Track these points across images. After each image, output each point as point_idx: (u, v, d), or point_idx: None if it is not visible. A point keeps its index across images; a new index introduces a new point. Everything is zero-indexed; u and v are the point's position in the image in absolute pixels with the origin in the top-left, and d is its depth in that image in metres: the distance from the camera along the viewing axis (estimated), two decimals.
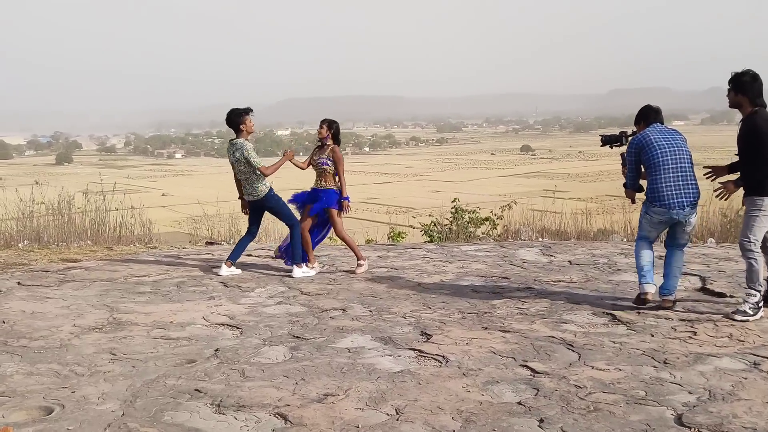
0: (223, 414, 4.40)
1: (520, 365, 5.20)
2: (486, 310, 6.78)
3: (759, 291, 6.21)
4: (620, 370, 5.06)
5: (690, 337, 5.80)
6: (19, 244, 11.66)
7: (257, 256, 10.12)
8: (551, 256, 9.63)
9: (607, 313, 6.58)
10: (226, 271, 8.68)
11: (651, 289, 6.67)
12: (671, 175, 6.55)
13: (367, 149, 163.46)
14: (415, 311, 6.82)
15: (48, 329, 6.37)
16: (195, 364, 5.36)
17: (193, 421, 4.29)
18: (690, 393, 4.60)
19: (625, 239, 11.91)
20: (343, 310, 6.95)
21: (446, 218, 14.25)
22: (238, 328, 6.39)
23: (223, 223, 14.24)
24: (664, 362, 5.21)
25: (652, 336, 5.87)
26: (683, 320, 6.32)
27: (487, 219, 13.62)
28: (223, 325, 6.51)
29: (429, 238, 13.61)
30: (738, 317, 6.19)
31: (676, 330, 6.02)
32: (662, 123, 6.98)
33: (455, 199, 14.77)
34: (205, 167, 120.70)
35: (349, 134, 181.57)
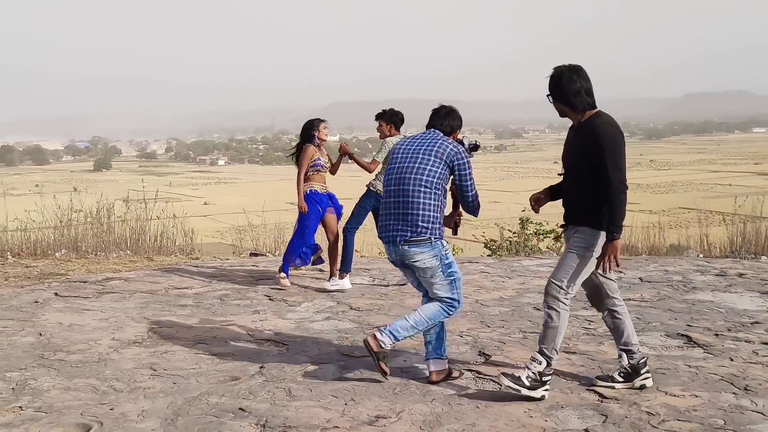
0: None
1: (587, 390, 5.14)
2: None
3: (550, 358, 4.96)
4: (696, 396, 4.97)
5: None
6: (57, 254, 11.92)
7: (305, 269, 10.19)
8: (620, 272, 9.51)
9: (682, 335, 6.48)
10: (348, 283, 8.73)
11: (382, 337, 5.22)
12: (392, 199, 5.37)
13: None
14: (473, 330, 6.80)
15: (86, 342, 6.49)
16: (239, 382, 5.40)
17: None
18: None
19: (701, 255, 11.71)
20: None
21: (509, 230, 14.18)
22: (284, 344, 6.44)
23: (268, 233, 14.37)
24: (745, 389, 5.10)
25: (732, 360, 5.76)
26: (766, 343, 6.18)
27: (551, 231, 13.52)
28: (268, 340, 6.56)
29: (489, 252, 13.56)
30: (506, 381, 4.90)
31: (757, 354, 5.89)
32: (451, 128, 5.54)
33: (524, 209, 14.70)
34: (249, 175, 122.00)
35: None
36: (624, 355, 5.15)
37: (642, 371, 5.14)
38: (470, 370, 5.60)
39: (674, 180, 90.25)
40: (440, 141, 5.34)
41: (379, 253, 12.27)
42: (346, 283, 8.65)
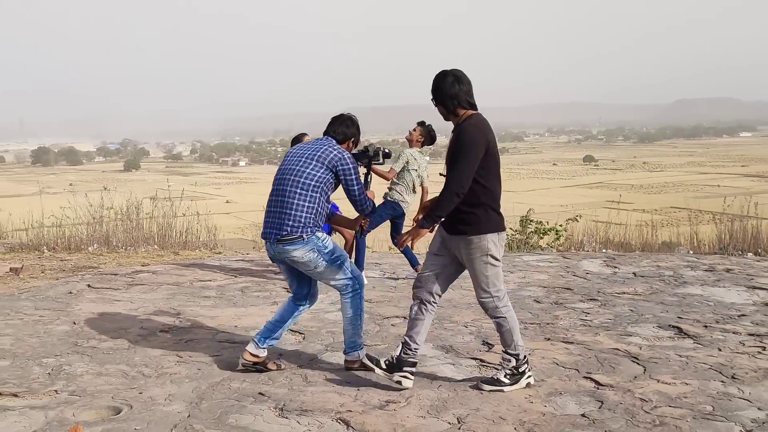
0: (286, 418, 4.43)
1: (584, 377, 5.13)
2: (549, 321, 6.72)
3: (517, 354, 4.93)
4: (687, 384, 4.95)
5: (759, 352, 5.65)
6: (89, 248, 11.97)
7: None
8: (615, 267, 9.50)
9: (673, 326, 6.45)
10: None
11: (249, 348, 5.30)
12: (272, 198, 5.33)
13: (427, 158, 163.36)
14: (477, 320, 6.79)
15: (116, 331, 6.51)
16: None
17: (257, 424, 4.33)
18: (760, 409, 4.48)
19: (691, 252, 11.66)
20: (404, 317, 6.94)
21: (511, 228, 14.17)
22: (300, 333, 6.44)
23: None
24: (733, 377, 5.08)
25: (720, 350, 5.73)
26: (752, 335, 6.16)
27: (551, 229, 13.49)
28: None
29: None
30: (487, 387, 4.89)
31: (744, 345, 5.87)
32: (344, 135, 5.44)
33: (529, 210, 14.70)
34: (268, 175, 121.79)
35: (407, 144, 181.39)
36: (401, 346, 4.99)
37: (405, 368, 4.92)
38: (474, 359, 5.60)
39: (666, 181, 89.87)
40: (326, 147, 5.29)
41: (390, 248, 12.27)
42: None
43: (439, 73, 4.93)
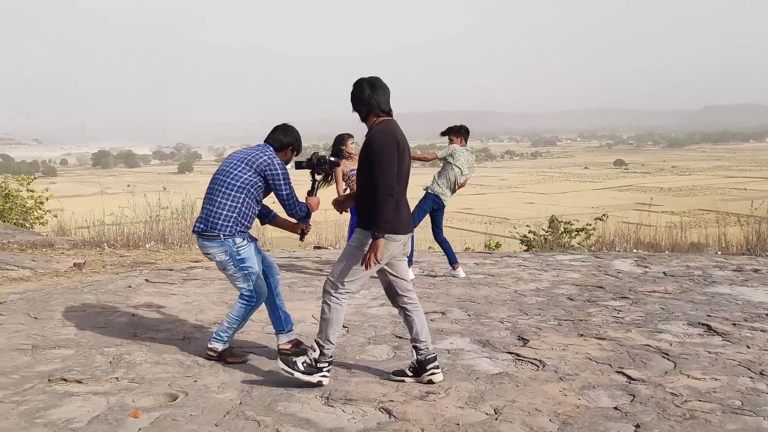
0: (332, 406, 4.45)
1: (616, 372, 5.07)
2: (582, 318, 6.66)
3: (322, 347, 4.78)
4: (716, 379, 4.88)
5: None
6: (147, 245, 12.13)
7: None
8: (646, 267, 9.38)
9: (703, 324, 6.35)
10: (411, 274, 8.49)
11: (212, 345, 5.48)
12: (205, 196, 5.45)
13: (474, 156, 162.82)
14: (512, 316, 6.75)
15: (173, 322, 6.59)
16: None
17: (304, 412, 4.36)
18: None
19: (719, 252, 11.47)
20: (443, 313, 6.94)
21: (542, 228, 14.09)
22: (344, 326, 6.45)
23: (329, 229, 14.45)
24: (761, 373, 4.98)
25: (748, 347, 5.63)
26: None
27: (582, 230, 13.39)
28: None
29: (525, 247, 13.48)
30: (282, 366, 4.79)
31: None
32: (280, 143, 5.49)
33: (552, 216, 14.64)
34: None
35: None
36: (414, 351, 4.92)
37: (428, 366, 4.86)
38: (510, 353, 5.56)
39: (694, 184, 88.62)
40: (258, 152, 5.37)
41: (429, 247, 12.25)
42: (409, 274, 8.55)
43: (356, 81, 4.92)
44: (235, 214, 5.27)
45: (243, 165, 5.32)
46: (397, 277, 4.96)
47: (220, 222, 5.25)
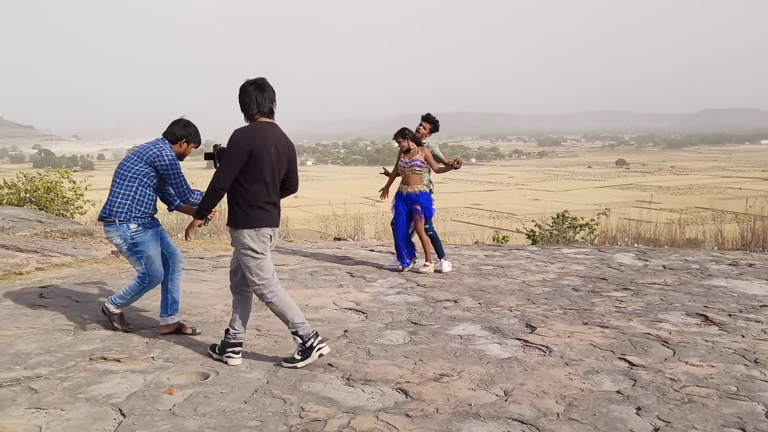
0: (352, 387, 4.47)
1: (618, 358, 5.06)
2: (586, 307, 6.64)
3: (296, 331, 4.84)
4: (713, 366, 4.85)
5: None
6: (178, 235, 12.16)
7: (378, 252, 10.23)
8: (646, 260, 9.33)
9: (700, 314, 6.32)
10: (447, 265, 8.54)
11: (108, 305, 5.80)
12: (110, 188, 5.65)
13: (473, 160, 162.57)
14: (520, 305, 6.75)
15: (204, 307, 6.64)
16: (327, 342, 5.45)
17: (327, 391, 4.38)
18: None
19: (715, 247, 11.41)
20: (455, 301, 6.94)
21: (547, 224, 14.05)
22: (363, 312, 6.48)
23: (348, 222, 14.47)
24: (755, 361, 4.96)
25: (743, 337, 5.60)
26: None
27: (586, 225, 13.34)
28: (350, 309, 6.61)
29: (532, 241, 13.44)
30: (286, 365, 4.86)
31: (766, 333, 5.71)
32: (174, 136, 5.63)
33: (565, 211, 14.59)
34: (331, 174, 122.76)
35: (457, 147, 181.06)
36: (225, 332, 5.02)
37: (228, 350, 4.95)
38: (518, 339, 5.56)
39: (691, 183, 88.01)
40: (150, 146, 5.56)
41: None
42: (446, 265, 8.54)
43: (242, 83, 4.89)
44: (129, 202, 5.47)
45: (135, 158, 5.53)
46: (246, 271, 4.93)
47: (116, 209, 5.47)
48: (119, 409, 4.07)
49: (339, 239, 12.81)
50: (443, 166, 8.56)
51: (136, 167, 5.48)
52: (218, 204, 5.03)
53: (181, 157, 5.68)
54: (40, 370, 4.75)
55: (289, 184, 5.05)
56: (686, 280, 7.94)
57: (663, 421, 3.90)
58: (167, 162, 5.48)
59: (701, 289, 7.42)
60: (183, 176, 5.59)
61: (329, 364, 4.89)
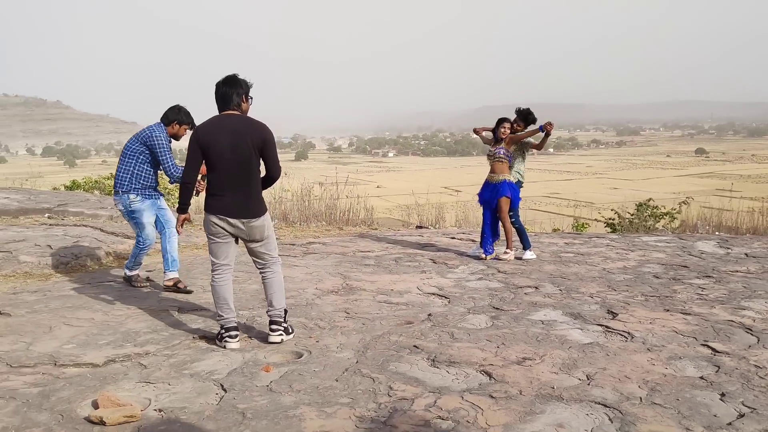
0: (437, 368, 4.48)
1: (701, 345, 4.90)
2: (667, 294, 6.45)
3: (224, 317, 4.92)
4: None
5: None
6: (271, 223, 12.44)
7: (459, 239, 10.19)
8: (728, 248, 8.98)
9: None
10: (529, 254, 8.47)
11: (125, 272, 6.97)
12: None
13: (551, 150, 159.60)
14: (601, 292, 6.61)
15: (296, 291, 6.77)
16: (412, 325, 5.49)
17: (413, 372, 4.40)
18: None
19: None
20: (536, 287, 6.85)
21: (628, 212, 13.69)
22: (446, 297, 6.48)
23: (430, 210, 14.47)
24: None
25: None
26: None
27: (667, 213, 12.92)
28: (433, 294, 6.61)
29: (611, 229, 13.13)
30: (283, 338, 5.04)
31: None
32: (167, 119, 6.49)
33: (649, 199, 14.17)
34: (412, 164, 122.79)
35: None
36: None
37: (224, 335, 4.96)
38: (600, 325, 5.45)
39: None
40: (146, 129, 6.45)
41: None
42: (528, 254, 8.44)
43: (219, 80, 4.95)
44: (129, 176, 6.38)
45: (134, 139, 6.45)
46: (252, 253, 5.16)
47: (119, 182, 6.42)
48: (221, 384, 4.20)
49: (421, 227, 12.82)
50: (533, 141, 8.52)
51: (134, 146, 6.40)
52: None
53: (175, 137, 6.57)
54: (148, 348, 4.95)
55: (267, 170, 5.01)
56: None
57: (748, 407, 3.76)
58: (157, 142, 6.32)
59: None
60: (170, 154, 6.38)
61: (415, 346, 4.91)
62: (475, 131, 8.90)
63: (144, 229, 6.52)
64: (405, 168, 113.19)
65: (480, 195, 8.51)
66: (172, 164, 6.35)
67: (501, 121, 8.40)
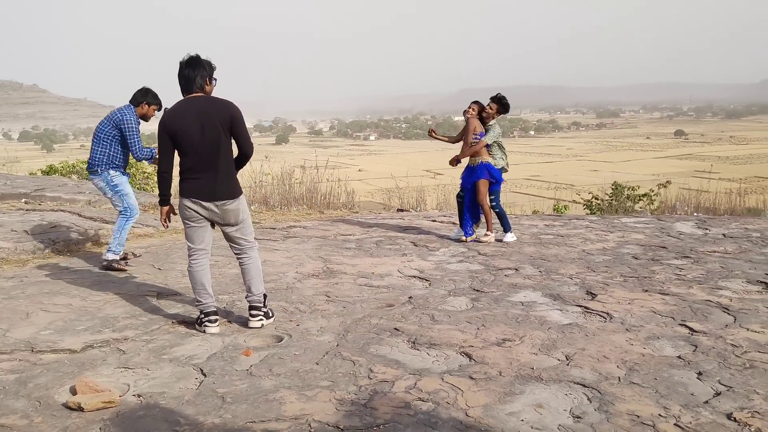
0: (418, 350, 4.49)
1: (679, 324, 4.94)
2: (646, 275, 6.49)
3: (203, 303, 4.93)
4: None
5: None
6: (251, 207, 12.37)
7: (440, 222, 10.20)
8: (706, 229, 9.06)
9: (761, 282, 6.11)
10: (510, 236, 8.45)
11: (106, 256, 7.00)
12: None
13: (532, 133, 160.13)
14: (580, 273, 6.64)
15: (277, 274, 6.74)
16: (393, 308, 5.49)
17: (393, 354, 4.41)
18: None
19: None
20: (516, 269, 6.88)
21: (606, 194, 13.78)
22: (427, 280, 6.48)
23: (410, 193, 14.46)
24: None
25: None
26: None
27: (645, 195, 13.02)
28: (414, 277, 6.62)
29: (590, 211, 13.21)
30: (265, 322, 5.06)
31: None
32: (135, 100, 6.86)
33: (615, 181, 14.28)
34: (393, 147, 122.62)
35: (516, 119, 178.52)
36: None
37: (203, 320, 4.95)
38: (579, 306, 5.48)
39: (751, 153, 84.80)
40: (117, 111, 6.80)
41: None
42: (509, 237, 8.42)
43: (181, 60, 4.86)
44: (105, 157, 6.77)
45: (106, 121, 6.81)
46: (228, 238, 5.17)
47: (97, 162, 6.78)
48: (200, 369, 4.18)
49: (402, 210, 12.82)
50: (458, 139, 8.65)
51: (106, 129, 6.77)
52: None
53: (144, 118, 6.92)
54: (127, 333, 4.91)
55: (239, 148, 4.95)
56: (747, 248, 7.68)
57: (724, 386, 3.80)
58: (126, 125, 6.71)
59: (762, 257, 7.17)
60: (137, 136, 6.76)
61: (395, 329, 4.92)
62: (430, 133, 8.90)
63: (129, 198, 6.89)
64: (386, 151, 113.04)
65: (462, 179, 8.51)
66: (139, 147, 6.80)
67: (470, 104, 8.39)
